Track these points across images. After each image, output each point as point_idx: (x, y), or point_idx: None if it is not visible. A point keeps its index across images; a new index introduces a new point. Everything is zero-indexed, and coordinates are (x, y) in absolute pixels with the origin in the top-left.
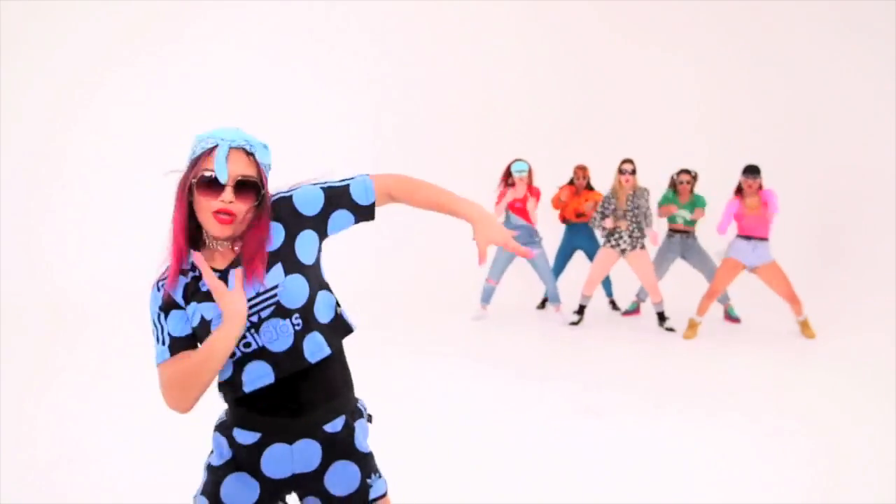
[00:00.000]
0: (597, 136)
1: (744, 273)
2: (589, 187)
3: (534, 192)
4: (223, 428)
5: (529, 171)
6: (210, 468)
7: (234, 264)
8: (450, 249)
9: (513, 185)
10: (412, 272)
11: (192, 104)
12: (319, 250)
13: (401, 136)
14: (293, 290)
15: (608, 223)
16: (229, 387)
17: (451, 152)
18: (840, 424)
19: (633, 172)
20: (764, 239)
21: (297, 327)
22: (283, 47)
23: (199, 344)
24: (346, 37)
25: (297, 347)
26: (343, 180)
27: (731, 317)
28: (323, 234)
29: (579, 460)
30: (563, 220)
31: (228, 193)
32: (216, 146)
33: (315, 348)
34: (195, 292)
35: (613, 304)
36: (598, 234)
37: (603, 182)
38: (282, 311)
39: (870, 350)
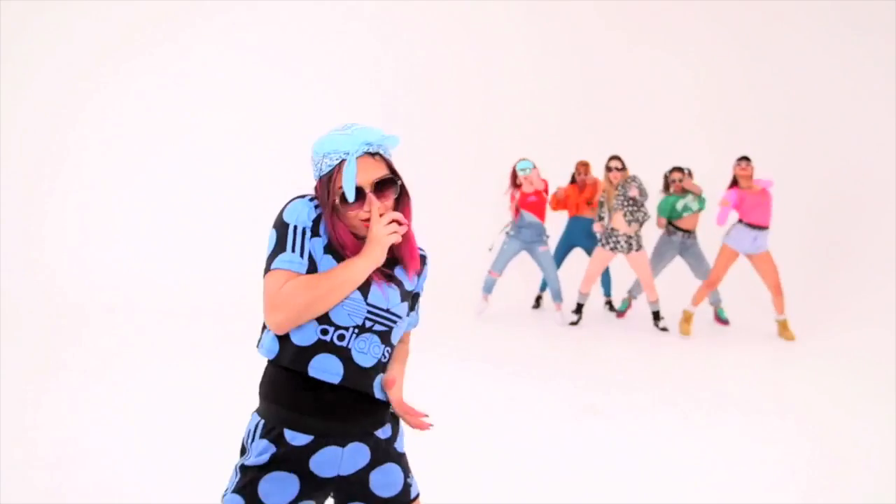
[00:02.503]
0: (599, 135)
1: (740, 265)
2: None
3: (546, 188)
4: (268, 433)
5: (534, 170)
6: (244, 468)
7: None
8: (448, 249)
9: (520, 185)
10: None
11: (193, 105)
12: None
13: (403, 136)
14: (400, 330)
15: (598, 227)
16: (296, 356)
17: (453, 152)
18: (839, 423)
19: (621, 169)
20: (765, 228)
21: (384, 359)
22: (285, 48)
23: None
24: (349, 37)
25: (371, 373)
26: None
27: (720, 318)
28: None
29: (579, 459)
30: (573, 215)
31: (370, 202)
32: (343, 160)
33: (380, 387)
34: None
35: (610, 305)
36: (597, 233)
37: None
38: (386, 337)
39: (868, 348)
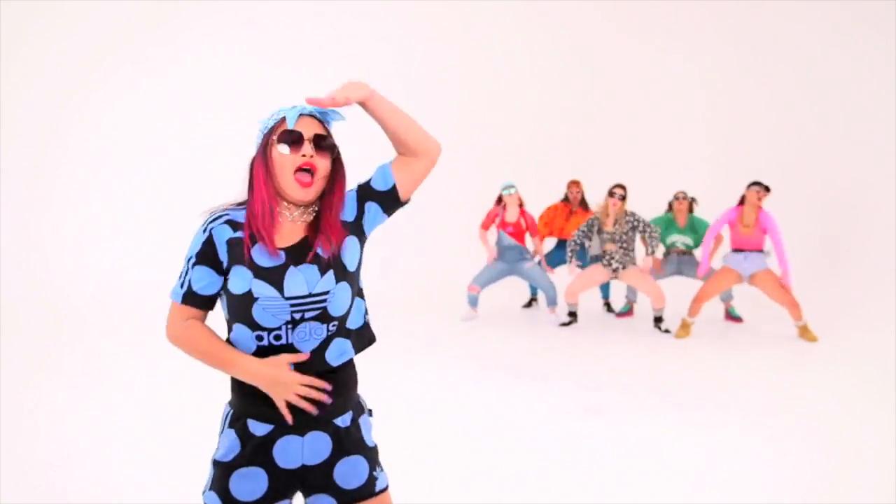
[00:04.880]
0: (599, 146)
1: (742, 284)
2: (583, 202)
3: (527, 218)
4: (233, 421)
5: (518, 193)
6: (217, 464)
7: (303, 242)
8: (443, 250)
9: (505, 207)
10: (404, 272)
11: (193, 105)
12: (361, 255)
13: None
14: (340, 298)
15: (571, 269)
16: None
17: (450, 154)
18: (840, 424)
19: (623, 199)
20: (757, 251)
21: (330, 332)
22: (284, 47)
23: (217, 302)
24: (348, 38)
25: (322, 349)
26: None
27: (732, 316)
28: (362, 237)
29: (577, 460)
30: (559, 239)
31: (308, 147)
32: (286, 118)
33: (339, 353)
34: (247, 258)
35: (608, 306)
36: (568, 256)
37: (601, 195)
38: (324, 317)
39: (869, 350)
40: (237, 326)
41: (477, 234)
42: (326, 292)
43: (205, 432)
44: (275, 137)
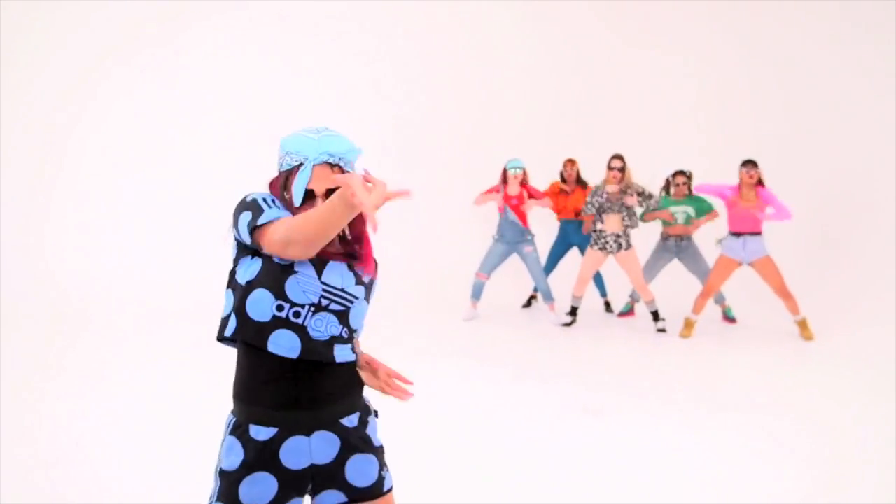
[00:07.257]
0: (595, 136)
1: (742, 269)
2: (579, 180)
3: (530, 189)
4: (235, 429)
5: (524, 171)
6: (223, 473)
7: (347, 254)
8: (442, 250)
9: (507, 184)
10: (404, 272)
11: (193, 105)
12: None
13: (398, 138)
14: (359, 312)
15: (602, 222)
16: (256, 332)
17: (448, 151)
18: (840, 423)
19: (622, 170)
20: (755, 233)
21: (343, 336)
22: (282, 47)
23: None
24: (344, 37)
25: (330, 346)
26: None
27: (728, 317)
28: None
29: (577, 460)
30: (560, 218)
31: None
32: (301, 164)
33: (343, 353)
34: None
35: (608, 305)
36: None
37: (597, 178)
38: (343, 317)
39: (869, 349)
40: (259, 291)
41: (469, 233)
42: (356, 297)
43: (207, 432)
44: (288, 197)
